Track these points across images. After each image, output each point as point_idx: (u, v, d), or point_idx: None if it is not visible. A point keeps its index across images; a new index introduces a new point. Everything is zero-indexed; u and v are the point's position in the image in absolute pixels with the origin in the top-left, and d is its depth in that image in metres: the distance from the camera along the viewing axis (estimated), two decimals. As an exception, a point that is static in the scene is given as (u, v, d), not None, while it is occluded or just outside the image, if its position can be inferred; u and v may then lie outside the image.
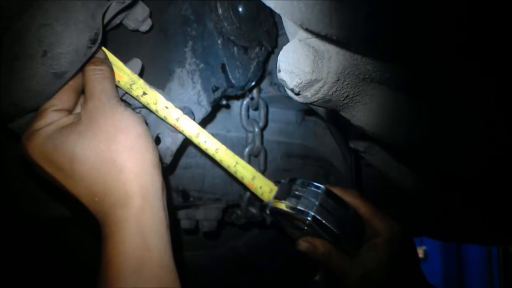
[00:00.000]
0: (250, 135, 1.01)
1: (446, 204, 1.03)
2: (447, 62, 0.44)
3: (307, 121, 1.21)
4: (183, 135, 0.76)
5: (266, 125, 1.04)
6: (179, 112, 0.74)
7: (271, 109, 1.08)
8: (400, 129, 0.54)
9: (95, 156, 0.57)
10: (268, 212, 0.81)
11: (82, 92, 0.65)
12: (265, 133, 1.05)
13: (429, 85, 0.48)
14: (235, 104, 1.04)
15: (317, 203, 0.76)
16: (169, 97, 0.76)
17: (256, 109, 1.02)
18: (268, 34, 0.91)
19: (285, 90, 1.01)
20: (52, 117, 0.60)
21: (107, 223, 0.56)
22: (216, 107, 0.94)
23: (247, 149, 1.00)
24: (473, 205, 1.01)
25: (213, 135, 0.76)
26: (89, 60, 0.65)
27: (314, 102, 0.49)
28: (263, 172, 1.02)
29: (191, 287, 1.22)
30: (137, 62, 0.72)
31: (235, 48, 0.87)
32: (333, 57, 0.46)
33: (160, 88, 0.77)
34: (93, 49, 0.61)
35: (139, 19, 0.73)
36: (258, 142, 1.01)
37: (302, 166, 1.19)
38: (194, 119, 0.82)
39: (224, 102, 0.94)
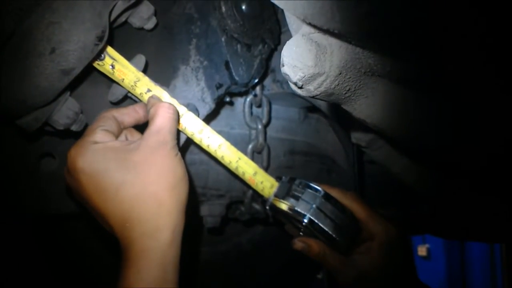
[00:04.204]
0: (253, 132, 1.02)
1: (449, 200, 1.03)
2: (448, 56, 0.45)
3: (310, 118, 1.22)
4: (184, 133, 0.76)
5: (269, 122, 1.05)
6: (183, 109, 0.75)
7: (274, 106, 1.09)
8: (401, 122, 0.55)
9: (142, 187, 0.60)
10: (267, 208, 0.83)
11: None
12: (268, 130, 1.06)
13: (430, 78, 0.49)
14: (239, 101, 1.05)
15: (314, 206, 0.77)
16: (173, 94, 0.78)
17: (259, 106, 1.03)
18: (271, 32, 0.92)
19: (288, 87, 1.02)
20: (103, 137, 0.63)
21: (133, 249, 0.59)
22: (219, 104, 0.95)
23: (250, 146, 1.01)
24: (477, 201, 1.02)
25: (216, 132, 0.77)
26: (96, 57, 0.67)
27: (317, 95, 0.50)
28: (266, 168, 1.03)
29: (194, 283, 1.23)
30: (141, 58, 0.73)
31: (239, 46, 0.88)
32: (335, 51, 0.47)
33: (165, 85, 0.78)
34: (100, 46, 0.63)
35: (144, 17, 0.74)
36: (261, 139, 1.02)
37: (304, 163, 1.20)
38: (198, 116, 0.83)
39: (227, 99, 0.95)
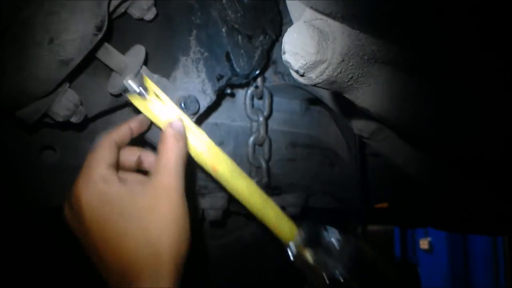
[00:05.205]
0: (254, 124, 1.01)
1: (453, 192, 1.03)
2: (453, 43, 0.44)
3: (312, 110, 1.21)
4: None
5: (271, 114, 1.05)
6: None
7: (275, 99, 1.09)
8: (405, 110, 0.55)
9: (144, 236, 0.58)
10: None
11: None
12: (270, 122, 1.05)
13: (434, 66, 0.48)
14: (240, 93, 1.04)
15: (347, 260, 0.75)
16: (174, 86, 0.77)
17: (261, 98, 1.02)
18: (272, 23, 0.91)
19: (289, 79, 1.02)
20: (108, 175, 0.61)
21: None
22: (220, 96, 0.94)
23: (251, 138, 1.00)
24: (481, 192, 1.01)
25: (217, 124, 0.76)
26: (95, 49, 0.66)
27: (319, 83, 0.50)
28: (267, 161, 1.02)
29: (196, 276, 1.23)
30: (141, 49, 0.72)
31: (240, 37, 0.87)
32: (338, 38, 0.46)
33: (165, 77, 0.78)
34: (99, 36, 0.62)
35: (144, 7, 0.73)
36: (262, 131, 1.01)
37: (306, 156, 1.19)
38: (199, 108, 0.82)
39: (228, 91, 0.94)
